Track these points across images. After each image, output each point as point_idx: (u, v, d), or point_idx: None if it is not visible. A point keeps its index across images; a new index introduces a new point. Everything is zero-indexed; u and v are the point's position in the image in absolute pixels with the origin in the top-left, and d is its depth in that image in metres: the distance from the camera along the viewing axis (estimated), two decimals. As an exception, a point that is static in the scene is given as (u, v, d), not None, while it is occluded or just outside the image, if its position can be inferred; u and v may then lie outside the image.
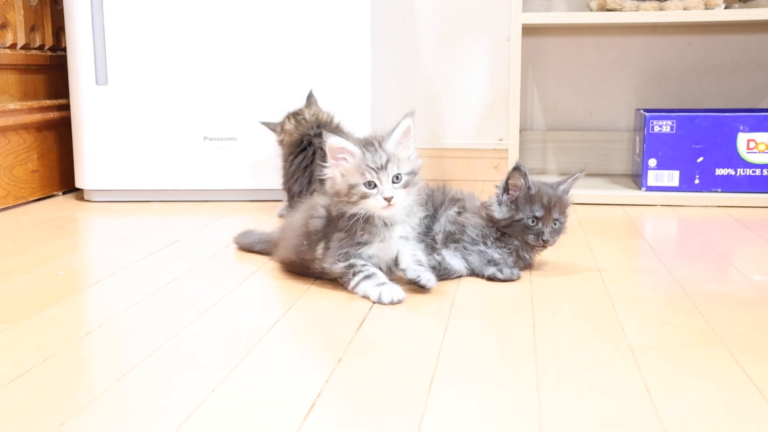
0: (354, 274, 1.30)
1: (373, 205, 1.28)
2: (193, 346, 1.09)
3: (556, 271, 1.47)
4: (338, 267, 1.31)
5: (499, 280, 1.39)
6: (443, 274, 1.38)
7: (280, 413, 0.88)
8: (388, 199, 1.27)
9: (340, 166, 1.30)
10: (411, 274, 1.31)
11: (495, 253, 1.42)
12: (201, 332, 1.14)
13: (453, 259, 1.40)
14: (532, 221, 1.40)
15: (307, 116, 1.93)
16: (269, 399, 0.92)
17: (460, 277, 1.41)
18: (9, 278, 1.42)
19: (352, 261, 1.30)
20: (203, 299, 1.29)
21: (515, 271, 1.40)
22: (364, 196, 1.28)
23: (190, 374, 0.99)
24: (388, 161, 1.28)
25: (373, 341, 1.11)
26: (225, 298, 1.30)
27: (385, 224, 1.31)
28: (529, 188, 1.41)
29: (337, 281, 1.34)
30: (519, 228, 1.40)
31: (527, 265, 1.45)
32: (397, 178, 1.29)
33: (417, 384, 0.95)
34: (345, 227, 1.31)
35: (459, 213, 1.46)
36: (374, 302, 1.27)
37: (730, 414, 0.87)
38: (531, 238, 1.40)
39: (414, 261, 1.33)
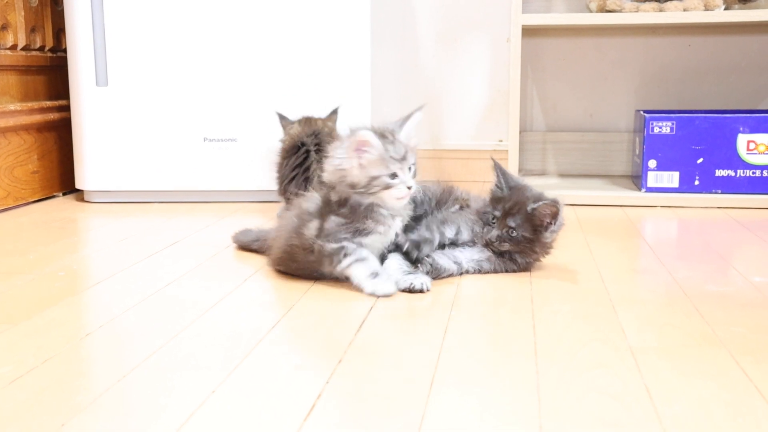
0: (345, 255, 1.31)
1: (394, 195, 1.32)
2: (194, 346, 1.09)
3: (556, 271, 1.47)
4: (330, 246, 1.32)
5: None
6: (434, 274, 1.39)
7: (281, 414, 0.88)
8: (410, 188, 1.33)
9: (362, 158, 1.31)
10: (403, 285, 1.33)
11: (476, 253, 1.44)
12: (201, 333, 1.14)
13: (441, 259, 1.41)
14: (492, 218, 1.43)
15: (315, 126, 1.91)
16: (269, 400, 0.92)
17: (451, 275, 1.42)
18: (9, 279, 1.42)
19: (345, 243, 1.32)
20: (203, 300, 1.29)
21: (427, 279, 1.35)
22: (387, 187, 1.31)
23: (190, 375, 0.99)
24: (406, 152, 1.33)
25: (373, 342, 1.11)
26: (225, 299, 1.30)
27: (391, 215, 1.35)
28: (501, 188, 1.45)
29: (328, 276, 1.36)
30: (484, 220, 1.44)
31: (521, 269, 1.45)
32: (409, 169, 1.34)
33: (417, 385, 0.95)
34: (347, 213, 1.33)
35: (461, 208, 1.50)
36: (368, 294, 1.29)
37: (730, 415, 0.87)
38: (483, 231, 1.43)
39: (402, 272, 1.35)
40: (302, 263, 1.38)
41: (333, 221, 1.33)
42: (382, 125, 1.37)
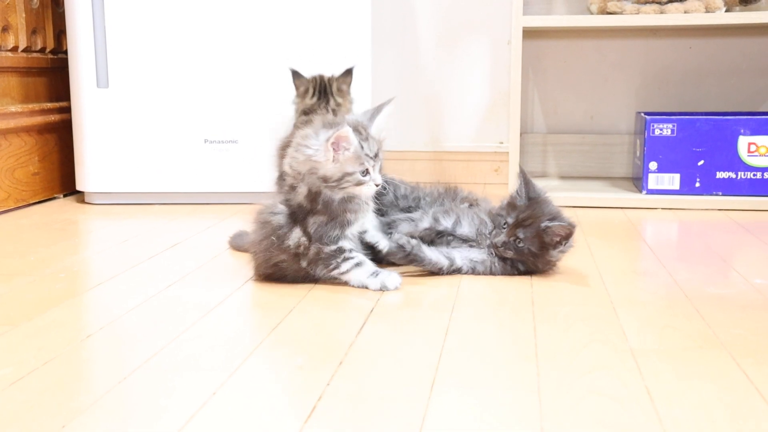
0: (344, 260, 1.33)
1: (364, 191, 1.34)
2: (195, 348, 1.09)
3: (556, 273, 1.46)
4: (328, 249, 1.33)
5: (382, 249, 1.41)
6: (413, 258, 1.40)
7: (281, 416, 0.88)
8: (378, 185, 1.34)
9: (339, 154, 1.30)
10: (370, 238, 1.39)
11: (473, 254, 1.44)
12: (202, 334, 1.14)
13: (432, 252, 1.42)
14: (503, 223, 1.42)
15: (331, 104, 1.90)
16: (270, 401, 0.92)
17: (440, 270, 1.42)
18: (10, 281, 1.43)
19: (341, 244, 1.33)
20: (204, 301, 1.29)
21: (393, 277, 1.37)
22: (359, 183, 1.32)
23: (191, 376, 0.99)
24: (378, 150, 1.34)
25: (374, 344, 1.11)
26: (226, 301, 1.30)
27: (365, 202, 1.37)
28: (520, 196, 1.44)
29: (322, 277, 1.37)
30: (496, 223, 1.44)
31: (520, 274, 1.45)
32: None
33: (418, 386, 0.95)
34: (325, 210, 1.33)
35: (470, 206, 1.51)
36: (375, 290, 1.32)
37: (730, 417, 0.87)
38: (490, 234, 1.43)
39: (374, 227, 1.41)
40: (293, 274, 1.38)
41: (315, 222, 1.33)
42: (354, 119, 1.37)
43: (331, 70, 2.12)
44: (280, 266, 1.37)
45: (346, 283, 1.36)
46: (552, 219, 1.40)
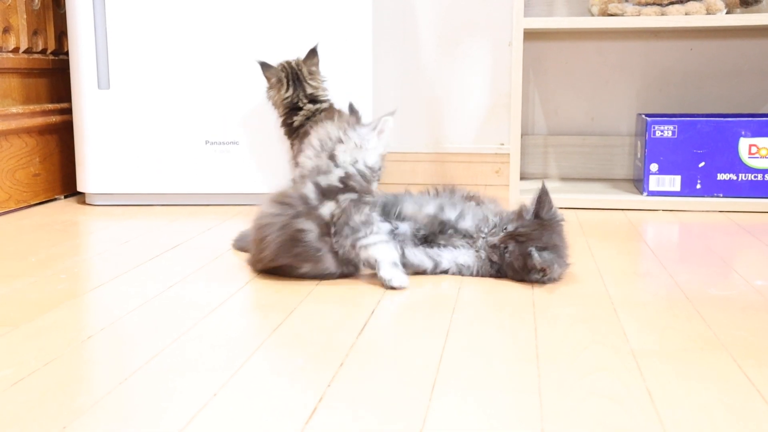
0: (373, 233, 1.37)
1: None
2: (195, 349, 1.09)
3: (557, 275, 1.47)
4: (358, 218, 1.36)
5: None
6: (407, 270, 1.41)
7: (282, 417, 0.88)
8: None
9: (382, 140, 1.42)
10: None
11: (462, 257, 1.44)
12: (203, 335, 1.14)
13: (414, 257, 1.42)
14: (504, 228, 1.42)
15: (308, 90, 1.92)
16: (271, 403, 0.92)
17: (424, 272, 1.43)
18: (11, 282, 1.43)
19: (373, 215, 1.39)
20: (205, 302, 1.29)
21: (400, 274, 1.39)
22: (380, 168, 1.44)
23: (191, 377, 0.99)
24: None
25: (375, 345, 1.11)
26: (227, 302, 1.30)
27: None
28: (527, 211, 1.43)
29: (330, 278, 1.39)
30: (501, 224, 1.44)
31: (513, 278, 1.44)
32: None
33: (419, 388, 0.95)
34: (356, 188, 1.39)
35: (477, 204, 1.52)
36: (382, 277, 1.35)
37: (732, 419, 0.87)
38: (489, 232, 1.44)
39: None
40: (302, 253, 1.38)
41: (348, 198, 1.37)
42: (343, 115, 1.50)
43: (332, 70, 2.12)
44: (296, 238, 1.37)
45: (360, 267, 1.40)
46: (543, 248, 1.38)
